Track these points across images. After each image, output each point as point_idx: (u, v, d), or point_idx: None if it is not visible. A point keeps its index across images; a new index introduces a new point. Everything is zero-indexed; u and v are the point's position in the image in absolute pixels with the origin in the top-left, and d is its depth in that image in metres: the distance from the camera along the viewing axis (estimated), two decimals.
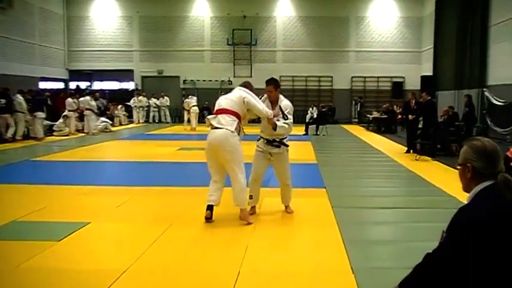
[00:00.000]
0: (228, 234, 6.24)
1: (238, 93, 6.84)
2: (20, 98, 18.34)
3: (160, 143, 17.94)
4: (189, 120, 24.68)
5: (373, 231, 6.64)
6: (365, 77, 30.68)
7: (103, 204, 7.97)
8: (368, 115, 26.69)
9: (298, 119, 28.59)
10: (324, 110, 23.49)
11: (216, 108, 6.87)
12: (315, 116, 23.65)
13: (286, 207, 7.49)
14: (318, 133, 21.52)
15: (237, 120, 6.70)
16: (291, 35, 30.96)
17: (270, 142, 7.14)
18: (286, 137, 7.13)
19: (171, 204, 7.99)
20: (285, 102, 7.04)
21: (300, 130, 22.26)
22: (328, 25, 30.49)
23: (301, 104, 29.99)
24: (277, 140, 7.07)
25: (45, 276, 4.83)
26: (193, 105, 24.65)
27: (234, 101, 6.77)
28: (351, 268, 5.01)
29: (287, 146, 7.17)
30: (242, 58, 31.00)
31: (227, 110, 6.71)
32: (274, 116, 6.86)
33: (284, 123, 6.88)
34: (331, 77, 30.78)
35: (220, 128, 6.61)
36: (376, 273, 4.94)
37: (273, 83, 7.07)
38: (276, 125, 6.80)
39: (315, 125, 22.08)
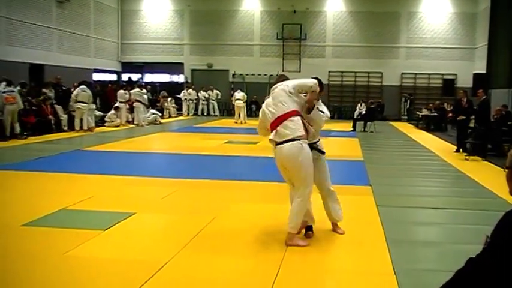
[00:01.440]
0: (269, 229, 6.25)
1: (280, 90, 5.77)
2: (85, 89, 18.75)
3: (208, 136, 18.10)
4: (239, 114, 24.88)
5: (417, 232, 6.55)
6: (415, 74, 30.17)
7: (149, 195, 8.11)
8: (418, 112, 26.23)
9: (346, 114, 28.56)
10: (372, 106, 23.21)
11: (270, 121, 5.78)
12: (363, 112, 23.40)
13: (335, 225, 6.29)
14: (366, 130, 21.31)
15: (300, 118, 5.66)
16: (341, 30, 30.70)
17: None
18: (318, 140, 6.11)
19: (216, 197, 8.06)
20: (322, 107, 6.05)
21: (347, 126, 22.12)
22: (378, 20, 30.09)
23: (350, 100, 29.84)
24: (312, 144, 5.90)
25: (91, 264, 4.97)
26: (237, 99, 24.87)
27: (283, 99, 5.67)
28: (393, 269, 4.96)
29: (323, 152, 6.15)
30: (291, 53, 30.94)
31: (283, 115, 5.63)
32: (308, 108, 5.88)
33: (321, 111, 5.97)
34: (381, 73, 30.40)
35: (286, 142, 5.61)
36: (418, 275, 4.87)
37: (321, 83, 6.10)
38: (313, 105, 5.85)
39: (362, 122, 21.85)
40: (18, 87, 16.02)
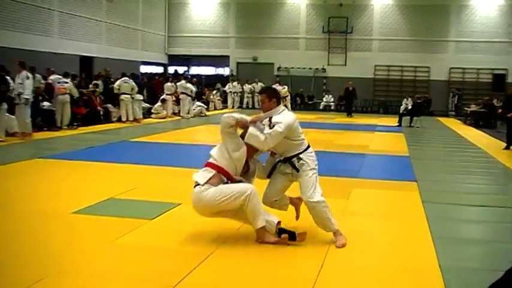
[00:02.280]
0: (314, 225, 6.26)
1: None
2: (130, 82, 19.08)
3: None
4: None
5: (464, 230, 6.45)
6: (464, 69, 29.53)
7: None
8: (466, 108, 25.72)
9: (392, 109, 28.24)
10: (419, 101, 22.85)
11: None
12: (409, 107, 23.09)
13: (334, 233, 5.59)
14: (412, 125, 21.03)
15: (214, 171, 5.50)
16: (388, 24, 30.31)
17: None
18: (300, 153, 5.51)
19: (261, 190, 8.10)
20: (279, 116, 5.41)
21: (393, 121, 21.88)
22: (427, 13, 29.53)
23: (396, 95, 29.47)
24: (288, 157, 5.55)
25: (137, 252, 5.07)
26: None
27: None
28: (439, 266, 4.90)
29: (297, 170, 5.50)
30: (337, 46, 30.72)
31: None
32: (252, 122, 5.40)
33: (263, 132, 5.31)
34: (428, 67, 29.89)
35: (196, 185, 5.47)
36: (464, 273, 4.81)
37: (264, 91, 5.73)
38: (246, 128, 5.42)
39: (409, 117, 21.57)
40: (69, 79, 16.42)
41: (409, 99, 25.33)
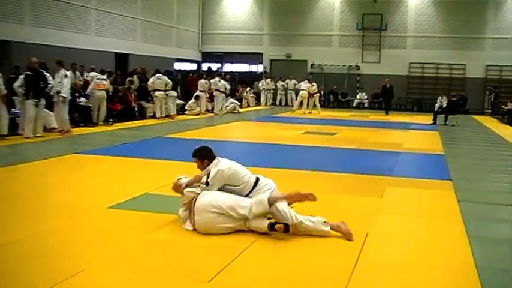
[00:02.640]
0: (349, 220, 6.26)
1: None
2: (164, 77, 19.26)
3: (286, 125, 18.19)
4: (301, 104, 25.01)
5: (501, 229, 6.37)
6: (501, 66, 28.96)
7: None
8: (502, 106, 25.28)
9: (426, 107, 27.90)
10: (454, 99, 22.53)
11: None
12: (444, 105, 22.79)
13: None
14: (447, 123, 20.75)
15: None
16: (423, 20, 29.90)
17: None
18: (246, 194, 5.83)
19: (293, 187, 8.11)
20: (214, 169, 5.83)
21: (427, 119, 21.63)
22: (463, 10, 29.02)
23: (430, 93, 29.10)
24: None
25: (172, 247, 5.13)
26: (301, 89, 24.97)
27: None
28: (475, 266, 4.84)
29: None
30: (371, 43, 30.46)
31: None
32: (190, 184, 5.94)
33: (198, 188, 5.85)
34: (464, 64, 29.39)
35: None
36: (502, 274, 4.75)
37: (195, 155, 6.10)
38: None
39: (444, 115, 21.29)
40: (105, 76, 16.68)
41: (444, 97, 24.98)
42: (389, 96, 26.10)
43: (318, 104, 25.25)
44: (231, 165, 5.92)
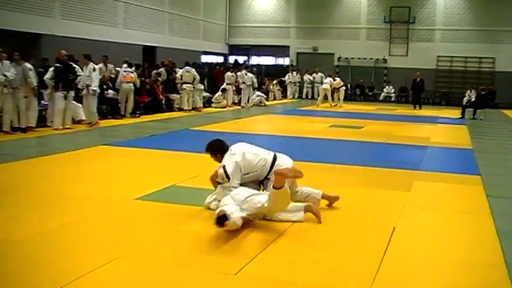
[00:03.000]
0: (375, 214, 6.24)
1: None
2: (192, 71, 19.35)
3: (312, 119, 18.15)
4: (326, 97, 24.90)
5: None
6: None
7: None
8: None
9: (455, 101, 27.56)
10: (483, 93, 22.24)
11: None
12: (473, 99, 22.51)
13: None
14: (476, 117, 20.49)
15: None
16: (452, 13, 29.51)
17: None
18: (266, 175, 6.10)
19: (322, 181, 8.08)
20: (228, 163, 5.98)
21: (455, 113, 21.39)
22: (492, 2, 28.55)
23: (459, 86, 28.77)
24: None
25: (198, 239, 5.12)
26: (324, 82, 24.82)
27: None
28: (505, 261, 4.77)
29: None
30: (398, 36, 30.18)
31: None
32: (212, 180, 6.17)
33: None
34: (494, 58, 28.93)
35: None
36: None
37: (207, 151, 6.33)
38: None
39: (472, 109, 21.03)
40: (133, 68, 16.82)
41: (473, 90, 24.70)
42: (419, 90, 25.75)
43: (341, 98, 25.15)
44: (244, 152, 6.04)
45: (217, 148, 6.21)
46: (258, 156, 6.08)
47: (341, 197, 6.46)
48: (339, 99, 24.94)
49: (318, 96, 28.78)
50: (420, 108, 24.98)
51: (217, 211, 5.30)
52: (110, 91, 16.08)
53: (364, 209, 6.54)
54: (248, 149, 6.16)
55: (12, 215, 5.76)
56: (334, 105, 24.38)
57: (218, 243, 5.01)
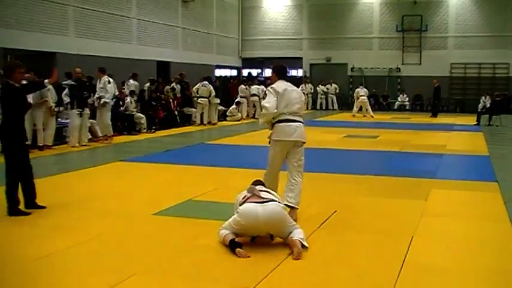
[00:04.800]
0: (393, 224, 6.24)
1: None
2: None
3: (327, 129, 18.13)
4: (360, 108, 24.66)
5: None
6: None
7: None
8: None
9: (470, 108, 27.39)
10: (498, 99, 22.10)
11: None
12: (488, 105, 22.37)
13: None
14: (491, 123, 20.37)
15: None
16: (464, 20, 29.36)
17: None
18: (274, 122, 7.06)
19: (338, 192, 8.12)
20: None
21: (471, 120, 21.28)
22: (505, 7, 28.34)
23: (473, 93, 28.59)
24: None
25: (216, 253, 5.15)
26: (361, 95, 24.62)
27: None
28: None
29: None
30: (411, 45, 30.10)
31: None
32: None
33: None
34: (508, 63, 28.71)
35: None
36: None
37: (272, 70, 7.01)
38: None
39: (487, 115, 20.90)
40: (148, 84, 16.97)
41: (488, 97, 24.54)
42: (436, 98, 25.56)
43: (369, 108, 25.07)
44: (280, 88, 6.61)
45: (277, 70, 6.87)
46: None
47: (358, 206, 6.48)
48: (366, 109, 24.74)
49: (333, 106, 28.92)
50: (436, 116, 24.86)
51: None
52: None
53: (382, 218, 6.54)
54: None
55: (33, 232, 5.84)
56: (363, 116, 24.23)
57: (235, 258, 5.02)
